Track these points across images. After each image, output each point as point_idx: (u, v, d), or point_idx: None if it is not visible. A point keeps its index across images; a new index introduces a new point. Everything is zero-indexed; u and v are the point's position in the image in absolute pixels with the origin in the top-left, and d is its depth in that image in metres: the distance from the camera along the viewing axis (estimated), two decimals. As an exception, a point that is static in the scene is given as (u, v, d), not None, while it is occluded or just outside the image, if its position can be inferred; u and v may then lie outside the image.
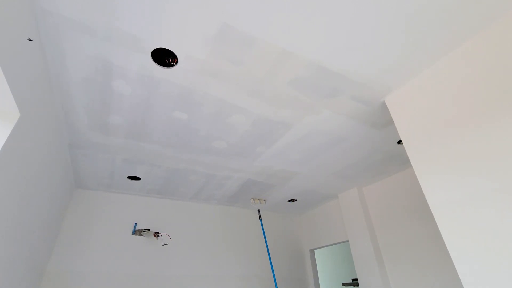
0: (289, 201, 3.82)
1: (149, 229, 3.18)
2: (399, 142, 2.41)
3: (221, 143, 2.31)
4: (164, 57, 1.48)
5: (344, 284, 4.27)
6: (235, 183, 3.14)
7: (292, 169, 2.82)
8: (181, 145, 2.30)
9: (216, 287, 3.28)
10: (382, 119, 2.06)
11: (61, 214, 2.70)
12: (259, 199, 3.52)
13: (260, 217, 3.46)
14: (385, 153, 2.59)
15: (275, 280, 3.04)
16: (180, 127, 2.06)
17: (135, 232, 3.10)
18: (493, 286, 1.17)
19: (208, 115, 1.95)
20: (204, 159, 2.56)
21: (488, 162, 1.29)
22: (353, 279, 4.23)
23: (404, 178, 2.98)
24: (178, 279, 3.12)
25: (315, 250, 4.23)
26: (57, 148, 2.03)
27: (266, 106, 1.87)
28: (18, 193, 1.53)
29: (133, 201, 3.31)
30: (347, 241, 3.44)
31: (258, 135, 2.20)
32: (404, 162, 2.80)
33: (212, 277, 3.32)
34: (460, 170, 1.39)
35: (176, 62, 1.51)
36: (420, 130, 1.62)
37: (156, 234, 3.16)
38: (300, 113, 1.96)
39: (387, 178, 3.15)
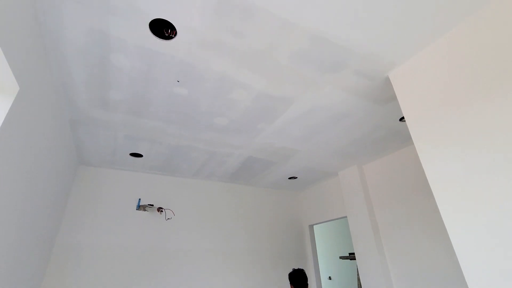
0: (290, 178, 3.87)
1: (152, 205, 3.27)
2: (401, 119, 2.39)
3: (222, 120, 2.30)
4: (162, 28, 1.43)
5: (341, 257, 4.45)
6: (237, 160, 3.17)
7: (293, 146, 2.83)
8: (182, 121, 2.30)
9: (219, 260, 3.43)
10: (385, 94, 2.04)
11: (66, 189, 2.76)
12: None
13: None
14: (386, 130, 2.59)
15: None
16: (181, 103, 2.05)
17: (139, 207, 3.18)
18: (487, 259, 1.21)
19: (209, 91, 1.92)
20: (206, 136, 2.57)
21: (488, 137, 1.29)
22: (350, 253, 4.39)
23: (404, 155, 2.99)
24: (182, 252, 3.25)
25: (314, 226, 4.36)
26: (59, 124, 2.03)
27: (267, 81, 1.84)
28: (24, 167, 1.55)
29: (136, 178, 3.36)
30: (346, 217, 3.53)
31: (260, 111, 2.19)
32: (405, 139, 2.80)
33: (214, 250, 3.45)
34: (461, 145, 1.39)
35: (175, 34, 1.46)
36: (423, 105, 1.60)
37: (160, 209, 3.25)
38: (302, 89, 1.93)
39: (387, 156, 3.17)
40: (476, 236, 1.26)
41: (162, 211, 3.26)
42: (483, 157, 1.30)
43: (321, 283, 4.03)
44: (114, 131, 2.43)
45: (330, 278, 6.46)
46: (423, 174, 2.71)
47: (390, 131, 2.61)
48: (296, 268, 2.37)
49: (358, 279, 3.90)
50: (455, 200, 1.36)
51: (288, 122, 2.37)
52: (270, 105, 2.11)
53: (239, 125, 2.40)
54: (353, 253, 3.99)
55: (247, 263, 3.60)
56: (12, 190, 1.47)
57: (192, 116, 2.23)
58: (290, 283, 2.41)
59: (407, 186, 2.90)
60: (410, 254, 2.72)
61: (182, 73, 1.74)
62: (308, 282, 2.79)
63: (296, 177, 3.84)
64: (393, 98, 2.08)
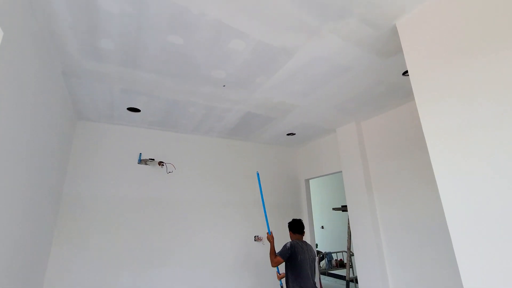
0: (288, 134, 3.91)
1: (153, 159, 3.35)
2: (404, 73, 2.33)
3: (220, 73, 2.23)
4: (152, -36, 1.29)
5: (334, 209, 4.73)
6: (235, 116, 3.16)
7: (292, 101, 2.80)
8: (178, 74, 2.23)
9: (219, 210, 3.65)
10: (390, 46, 1.95)
11: (67, 143, 2.79)
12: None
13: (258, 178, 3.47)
14: (388, 85, 2.54)
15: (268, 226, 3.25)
16: (176, 54, 1.96)
17: (141, 161, 3.27)
18: (476, 214, 1.29)
19: (205, 40, 1.82)
20: (203, 90, 2.51)
21: (488, 92, 1.27)
22: (342, 206, 4.67)
23: (402, 113, 2.99)
24: (184, 203, 3.44)
25: (310, 180, 4.54)
26: (51, 75, 1.97)
27: (267, 30, 1.74)
28: (21, 118, 1.55)
29: (136, 133, 3.39)
30: (341, 171, 3.67)
31: (258, 63, 2.11)
32: (406, 95, 2.76)
33: (215, 202, 3.65)
34: (460, 100, 1.38)
35: (166, -28, 1.33)
36: (429, 58, 1.55)
37: (161, 163, 3.34)
38: (303, 38, 1.83)
39: (386, 113, 3.16)
40: (464, 189, 1.32)
41: (163, 165, 3.35)
42: (479, 112, 1.30)
43: (314, 232, 4.35)
44: (109, 84, 2.36)
45: (322, 227, 6.98)
46: (418, 132, 2.73)
47: (391, 86, 2.55)
48: (295, 218, 2.81)
49: (348, 228, 4.22)
50: (448, 153, 1.40)
51: (287, 76, 2.30)
52: (270, 56, 2.03)
53: (237, 79, 2.34)
54: (346, 206, 4.25)
55: (246, 214, 3.84)
56: (17, 139, 1.49)
57: (188, 69, 2.15)
58: (290, 230, 2.74)
59: (402, 143, 2.95)
60: (398, 206, 2.89)
61: (175, 18, 1.62)
62: (304, 230, 3.11)
63: (294, 134, 3.88)
64: (397, 51, 1.99)
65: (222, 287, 3.36)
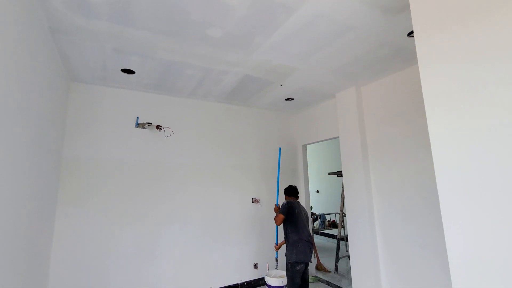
0: (286, 99, 3.86)
1: (151, 123, 3.34)
2: (409, 34, 2.23)
3: (216, 31, 2.12)
4: None
5: (329, 173, 4.87)
6: (233, 79, 3.08)
7: (292, 63, 2.71)
8: (172, 32, 2.12)
9: (217, 173, 3.74)
10: (396, 2, 1.83)
11: (62, 105, 2.74)
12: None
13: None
14: (391, 47, 2.44)
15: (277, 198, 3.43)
16: (169, 9, 1.84)
17: (138, 125, 3.26)
18: (467, 174, 1.32)
19: (200, -7, 1.70)
20: (199, 50, 2.41)
21: (493, 56, 1.23)
22: (338, 171, 4.79)
23: (403, 78, 2.92)
24: (183, 166, 3.51)
25: (307, 146, 4.60)
26: (37, 31, 1.86)
27: (266, -18, 1.61)
28: (12, 77, 1.50)
29: (132, 96, 3.33)
30: (338, 137, 3.70)
31: (257, 21, 2.00)
32: (409, 58, 2.68)
33: (213, 166, 3.73)
34: (464, 62, 1.34)
35: None
36: (437, 16, 1.46)
37: (159, 127, 3.33)
38: (305, -7, 1.71)
39: (387, 78, 3.09)
40: (457, 148, 1.35)
41: (161, 128, 3.35)
42: (481, 76, 1.27)
43: (309, 195, 4.53)
44: (100, 42, 2.25)
45: (318, 191, 7.24)
46: (417, 99, 2.71)
47: (394, 48, 2.46)
48: (290, 184, 3.29)
49: (342, 191, 4.39)
50: (445, 115, 1.40)
51: (287, 36, 2.20)
52: (269, 13, 1.91)
53: (234, 38, 2.23)
54: (341, 171, 4.36)
55: (243, 178, 3.95)
56: (5, 101, 1.46)
57: (183, 26, 2.04)
58: (285, 195, 3.18)
59: (400, 109, 2.93)
60: (392, 171, 2.97)
61: (168, -33, 1.49)
62: (299, 195, 3.46)
63: (293, 99, 3.83)
64: (404, 8, 1.88)
65: (223, 245, 3.59)
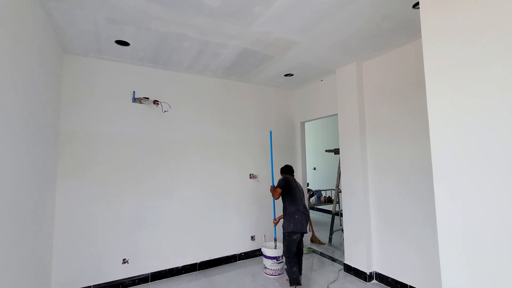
0: (286, 75, 3.79)
1: (148, 98, 3.29)
2: (415, 6, 2.14)
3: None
4: None
5: (326, 151, 4.92)
6: (231, 53, 3.00)
7: (292, 37, 2.63)
8: (167, 0, 2.02)
9: (214, 149, 3.77)
10: (404, -29, 1.74)
11: (56, 77, 2.68)
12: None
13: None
14: (395, 20, 2.36)
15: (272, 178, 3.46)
16: (164, -26, 1.74)
17: (135, 100, 3.21)
18: (463, 148, 1.34)
19: (196, -44, 1.60)
20: (196, 21, 2.32)
21: (496, 32, 1.20)
22: (335, 149, 4.83)
23: (405, 54, 2.86)
24: (180, 142, 3.52)
25: (305, 123, 4.60)
26: (26, -3, 1.77)
27: None
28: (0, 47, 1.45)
29: (128, 70, 3.25)
30: (336, 114, 3.68)
31: (257, -11, 1.90)
32: (412, 33, 2.60)
33: (211, 141, 3.74)
34: (468, 36, 1.31)
35: None
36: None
37: (156, 102, 3.29)
38: (307, -42, 1.61)
39: (389, 53, 3.02)
40: (454, 122, 1.36)
41: (158, 103, 3.31)
42: (483, 53, 1.25)
43: (306, 172, 4.60)
44: (92, 10, 2.15)
45: (314, 168, 7.36)
46: (418, 76, 2.67)
47: (398, 21, 2.38)
48: (287, 163, 3.48)
49: (339, 168, 4.46)
50: (445, 90, 1.39)
51: (288, 5, 2.10)
52: (269, -19, 1.82)
53: (233, 8, 2.13)
54: (338, 149, 4.40)
55: (242, 154, 3.98)
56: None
57: (179, -7, 1.94)
58: (281, 173, 3.30)
59: (400, 86, 2.89)
60: (388, 148, 3.00)
61: None
62: (295, 173, 3.61)
63: (292, 74, 3.76)
64: (412, -24, 1.79)
65: (221, 218, 3.70)
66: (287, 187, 3.01)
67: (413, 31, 2.57)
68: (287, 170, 3.27)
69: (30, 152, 1.98)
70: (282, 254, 3.27)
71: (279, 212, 3.58)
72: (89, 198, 2.93)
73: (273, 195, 3.04)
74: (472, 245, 1.27)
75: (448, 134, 1.37)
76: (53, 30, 2.44)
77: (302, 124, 4.53)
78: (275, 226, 3.44)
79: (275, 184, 3.19)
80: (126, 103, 3.20)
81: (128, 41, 2.70)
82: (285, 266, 2.93)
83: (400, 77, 2.90)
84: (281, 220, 3.19)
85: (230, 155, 3.88)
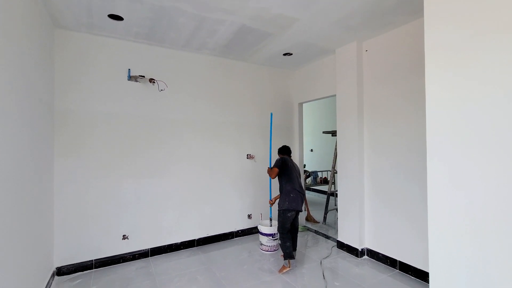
0: (285, 54, 3.72)
1: (144, 76, 3.23)
2: (419, -19, 2.07)
3: (211, -29, 1.93)
4: None
5: (324, 132, 4.93)
6: (229, 29, 2.91)
7: (292, 13, 2.55)
8: (162, -29, 1.92)
9: (211, 129, 3.76)
10: None
11: (48, 53, 2.60)
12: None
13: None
14: (398, -3, 2.29)
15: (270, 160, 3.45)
16: None
17: (130, 78, 3.15)
18: (458, 123, 1.35)
19: None
20: (192, -6, 2.23)
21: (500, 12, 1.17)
22: (332, 130, 4.84)
23: (406, 33, 2.79)
24: (177, 121, 3.50)
25: (303, 104, 4.57)
26: (11, -35, 1.67)
27: None
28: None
29: (122, 46, 3.15)
30: (335, 95, 3.66)
31: (255, -40, 1.81)
32: (414, 11, 2.53)
33: (208, 121, 3.73)
34: (468, 14, 1.28)
35: None
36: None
37: (152, 80, 3.23)
38: None
39: (390, 32, 2.95)
40: (451, 97, 1.36)
41: (154, 82, 3.26)
42: (483, 31, 1.22)
43: (303, 154, 4.64)
44: (82, -19, 2.05)
45: (312, 150, 7.42)
46: (419, 57, 2.63)
47: (402, -2, 2.31)
48: (284, 144, 3.58)
49: (335, 150, 4.50)
50: (443, 67, 1.38)
51: (288, -21, 2.02)
52: (269, -49, 1.73)
53: (231, -19, 2.05)
54: (335, 131, 4.42)
55: (239, 134, 3.98)
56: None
57: (174, -37, 1.85)
58: (279, 153, 3.36)
59: (401, 67, 2.86)
60: (385, 129, 3.02)
61: None
62: (292, 154, 3.62)
63: (292, 54, 3.68)
64: None
65: (219, 197, 3.77)
66: (284, 166, 3.07)
67: (415, 9, 2.50)
68: (285, 151, 3.32)
69: (28, 130, 1.97)
70: (277, 231, 3.38)
71: (275, 192, 3.66)
72: (87, 177, 2.95)
73: (270, 175, 3.11)
74: (461, 220, 1.32)
75: (444, 117, 1.38)
76: (43, 1, 2.34)
77: (300, 105, 4.51)
78: (271, 206, 3.52)
79: (272, 165, 3.22)
80: (122, 81, 3.14)
81: (121, 15, 2.60)
82: (279, 242, 3.05)
83: (399, 58, 2.86)
84: (278, 200, 3.26)
85: (228, 136, 3.88)
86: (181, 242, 3.49)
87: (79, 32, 2.93)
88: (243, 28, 2.88)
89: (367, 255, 3.21)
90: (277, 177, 3.10)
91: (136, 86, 3.22)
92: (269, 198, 3.66)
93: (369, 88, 3.20)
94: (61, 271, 2.81)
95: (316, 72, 4.06)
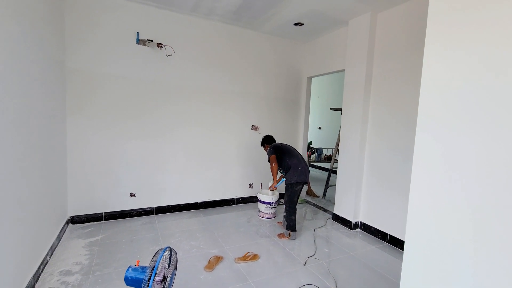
0: (295, 24, 3.61)
1: (152, 40, 3.24)
2: None
3: None
4: None
5: (331, 109, 4.88)
6: (237, -6, 2.83)
7: (302, -23, 2.44)
8: None
9: (218, 98, 3.80)
10: None
11: (58, 11, 2.64)
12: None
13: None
14: (416, -38, 2.14)
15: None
16: None
17: (139, 41, 3.18)
18: (446, 119, 1.33)
19: None
20: (199, -47, 2.17)
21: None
22: (341, 107, 4.78)
23: (422, 5, 2.63)
24: (184, 88, 3.55)
25: (312, 78, 4.49)
26: None
27: None
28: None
29: (131, 9, 3.15)
30: (344, 70, 3.57)
31: None
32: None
33: (214, 89, 3.76)
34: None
35: None
36: None
37: (160, 44, 3.25)
38: None
39: (406, 3, 2.79)
40: (449, 61, 1.34)
41: (161, 46, 3.27)
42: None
43: (308, 132, 4.64)
44: None
45: (320, 128, 7.38)
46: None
47: (420, -37, 2.16)
48: (266, 134, 3.50)
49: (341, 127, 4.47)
50: (444, 31, 1.34)
51: None
52: None
53: None
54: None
55: (245, 104, 4.01)
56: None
57: None
58: (264, 145, 3.42)
59: (413, 40, 2.73)
60: (391, 105, 2.96)
61: None
62: (296, 133, 3.57)
63: (303, 24, 3.57)
64: None
65: (222, 164, 3.90)
66: (278, 150, 3.11)
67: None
68: (270, 140, 3.38)
69: (40, 86, 2.08)
70: (275, 200, 3.51)
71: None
72: (97, 135, 3.11)
73: (272, 167, 3.03)
74: (443, 195, 1.35)
75: (437, 97, 1.36)
76: (52, -43, 2.34)
77: (309, 79, 4.43)
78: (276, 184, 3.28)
79: (268, 158, 3.14)
80: (130, 44, 3.18)
81: (129, -25, 2.57)
82: (284, 213, 3.06)
83: (414, 32, 2.73)
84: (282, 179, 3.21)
85: (233, 105, 3.92)
86: (184, 204, 3.70)
87: (88, -9, 2.93)
88: (252, -7, 2.80)
89: (360, 228, 3.32)
90: (277, 164, 3.06)
91: (144, 50, 3.25)
92: (270, 183, 3.38)
93: (380, 63, 3.10)
94: (74, 220, 3.08)
95: (327, 45, 3.94)
